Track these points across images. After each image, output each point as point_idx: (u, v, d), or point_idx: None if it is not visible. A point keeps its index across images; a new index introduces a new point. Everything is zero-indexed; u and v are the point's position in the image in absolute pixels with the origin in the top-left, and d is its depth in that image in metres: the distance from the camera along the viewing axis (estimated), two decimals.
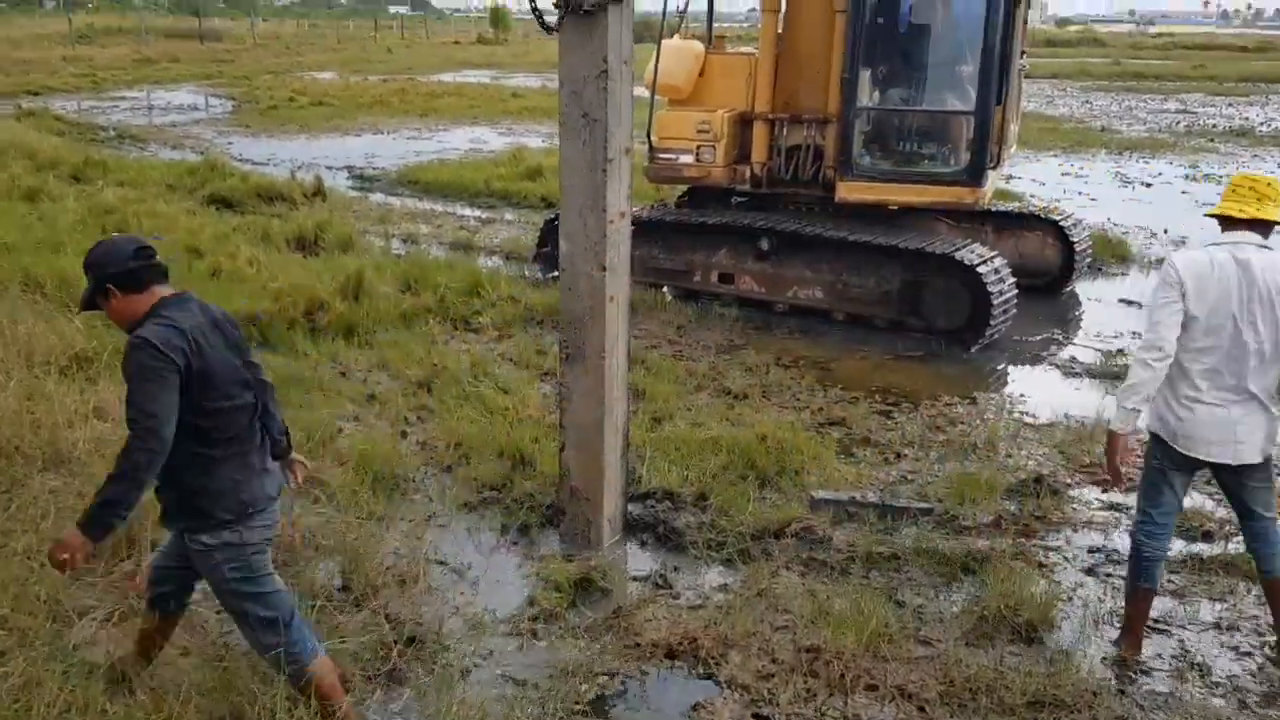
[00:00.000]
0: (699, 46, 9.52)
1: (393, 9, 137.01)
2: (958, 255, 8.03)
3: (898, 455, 6.08)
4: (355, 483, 5.34)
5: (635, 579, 4.75)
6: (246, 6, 77.42)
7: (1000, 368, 7.92)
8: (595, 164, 4.50)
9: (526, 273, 10.02)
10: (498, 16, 66.80)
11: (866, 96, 8.63)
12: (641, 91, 8.08)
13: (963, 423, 6.64)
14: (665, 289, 9.30)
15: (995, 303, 7.94)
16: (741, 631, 4.23)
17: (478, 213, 13.49)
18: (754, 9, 10.05)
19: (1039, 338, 8.55)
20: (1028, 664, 4.07)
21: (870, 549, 4.89)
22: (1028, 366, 7.93)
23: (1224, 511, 5.39)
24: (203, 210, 11.92)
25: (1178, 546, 5.09)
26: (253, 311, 7.87)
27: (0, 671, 3.56)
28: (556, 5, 4.40)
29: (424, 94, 28.49)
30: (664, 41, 9.18)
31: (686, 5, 9.77)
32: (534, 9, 4.65)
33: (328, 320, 7.93)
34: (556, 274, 9.74)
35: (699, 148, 9.20)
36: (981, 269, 7.96)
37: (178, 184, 13.58)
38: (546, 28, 4.55)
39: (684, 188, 10.24)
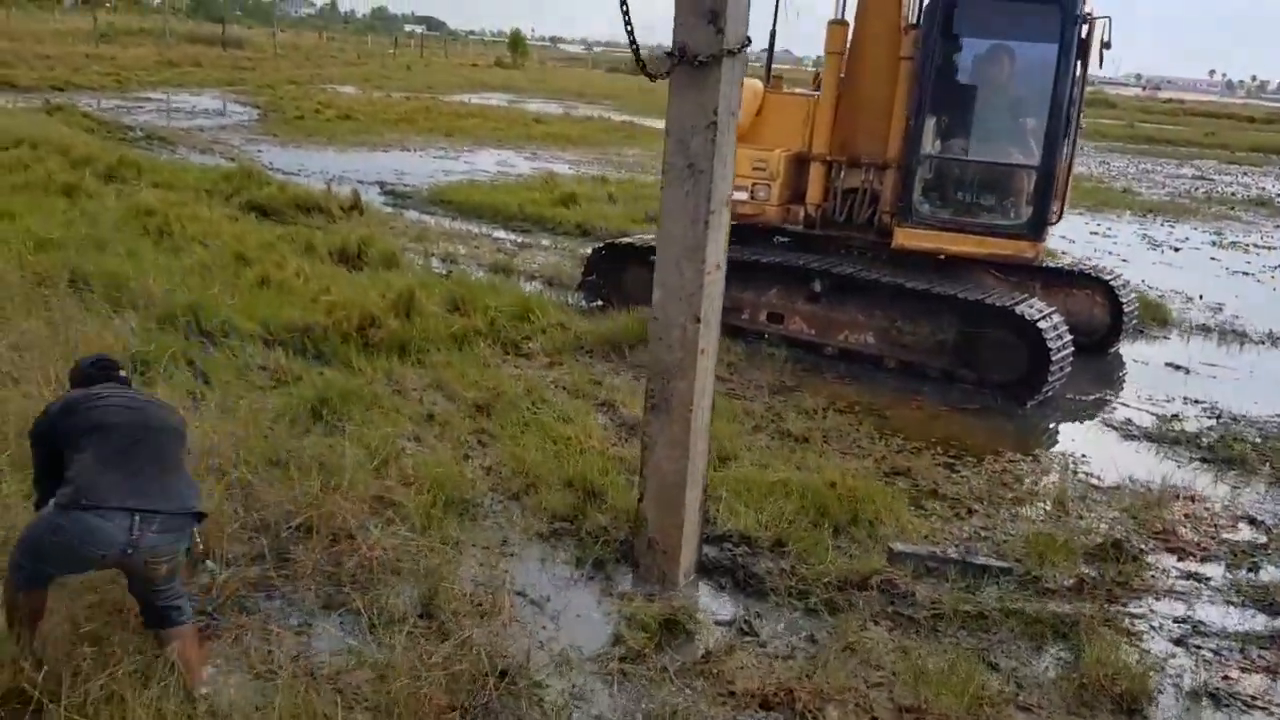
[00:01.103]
0: (758, 85, 9.51)
1: (408, 27, 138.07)
2: (1018, 309, 7.97)
3: (969, 510, 5.99)
4: (428, 505, 5.23)
5: (719, 623, 4.64)
6: (264, 15, 77.67)
7: (1057, 426, 7.85)
8: (698, 215, 4.43)
9: (570, 300, 9.95)
10: (516, 41, 67.26)
11: (930, 144, 8.60)
12: None
13: (1028, 480, 6.56)
14: None
15: (1054, 359, 7.88)
16: (837, 686, 4.12)
17: (513, 236, 13.44)
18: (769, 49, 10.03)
19: (1091, 398, 8.49)
20: None
21: (956, 606, 4.79)
22: (1084, 426, 7.84)
23: None
24: (243, 217, 11.84)
25: (1261, 621, 5.02)
26: (307, 323, 7.78)
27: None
28: (669, 54, 4.34)
29: (448, 114, 28.54)
30: None
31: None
32: (638, 60, 4.55)
33: (380, 337, 7.83)
34: (600, 303, 9.82)
35: (754, 185, 9.17)
36: (1042, 324, 7.90)
37: (214, 189, 13.48)
38: (651, 76, 4.51)
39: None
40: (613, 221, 13.99)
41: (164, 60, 38.87)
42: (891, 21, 8.73)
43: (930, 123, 8.50)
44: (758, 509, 5.51)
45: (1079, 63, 8.12)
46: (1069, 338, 8.17)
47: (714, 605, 4.81)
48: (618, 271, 9.80)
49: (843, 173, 9.05)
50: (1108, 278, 9.77)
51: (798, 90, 9.94)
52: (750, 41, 4.45)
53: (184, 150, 18.90)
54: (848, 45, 8.94)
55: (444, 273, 10.43)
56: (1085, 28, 7.94)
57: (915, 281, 8.38)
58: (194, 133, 21.56)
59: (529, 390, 7.18)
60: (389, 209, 14.66)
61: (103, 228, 10.01)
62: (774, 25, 9.61)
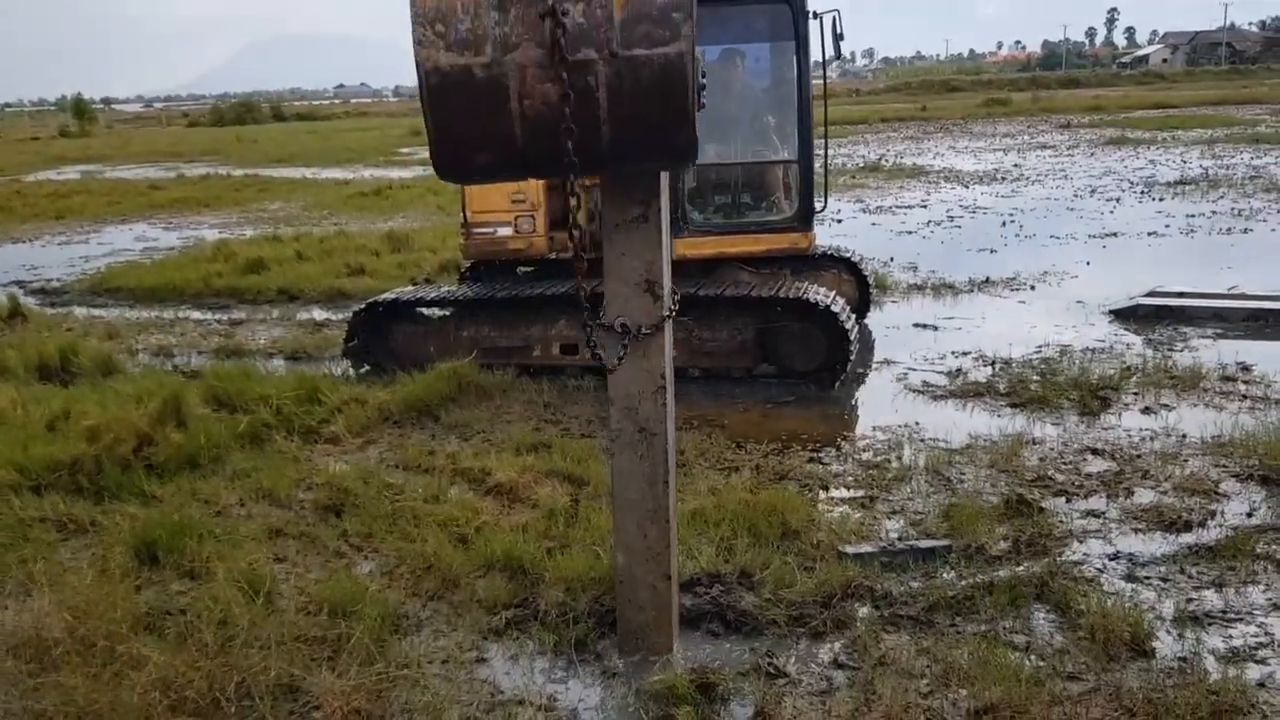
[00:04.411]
0: None
1: None
2: (809, 297, 8.22)
3: (870, 499, 6.07)
4: (366, 631, 4.54)
5: (742, 674, 4.36)
6: None
7: (872, 400, 8.15)
8: (655, 477, 4.21)
9: (338, 370, 9.13)
10: (81, 108, 61.35)
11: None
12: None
13: (892, 458, 6.74)
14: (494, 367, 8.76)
15: (851, 338, 8.21)
16: (900, 706, 3.99)
17: (215, 315, 12.12)
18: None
19: (877, 368, 8.93)
20: (1164, 678, 4.15)
21: (939, 595, 4.81)
22: (893, 395, 8.15)
23: (1180, 500, 5.85)
24: None
25: (1172, 541, 5.44)
26: (72, 457, 6.56)
27: None
28: (611, 329, 4.00)
29: (45, 195, 25.56)
30: None
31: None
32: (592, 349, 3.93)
33: (166, 455, 6.75)
34: (367, 368, 9.08)
35: (517, 218, 8.87)
36: (834, 308, 8.20)
37: None
38: (609, 369, 4.08)
39: (465, 265, 9.99)
40: (317, 281, 13.04)
41: None
42: None
43: None
44: (698, 545, 5.28)
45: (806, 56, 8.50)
46: (854, 316, 8.56)
47: (723, 655, 4.52)
48: (382, 332, 9.11)
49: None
50: (848, 254, 10.35)
51: None
52: (678, 296, 4.22)
53: None
54: None
55: (176, 369, 9.22)
56: (816, 22, 8.33)
57: (707, 288, 8.42)
58: None
59: (366, 478, 6.48)
60: (50, 310, 12.78)
61: None
62: None
